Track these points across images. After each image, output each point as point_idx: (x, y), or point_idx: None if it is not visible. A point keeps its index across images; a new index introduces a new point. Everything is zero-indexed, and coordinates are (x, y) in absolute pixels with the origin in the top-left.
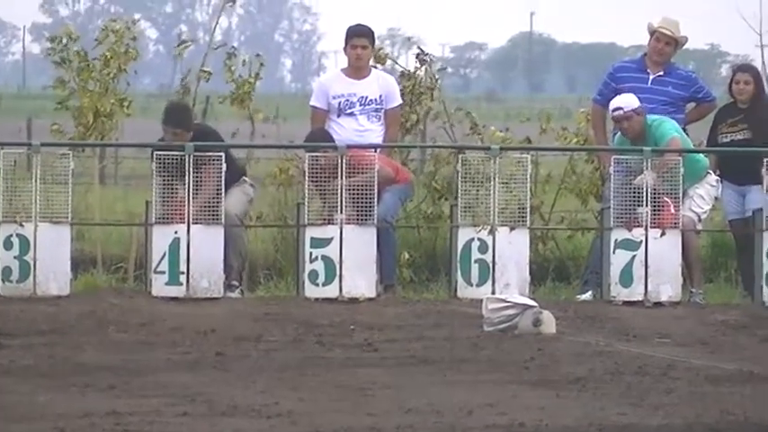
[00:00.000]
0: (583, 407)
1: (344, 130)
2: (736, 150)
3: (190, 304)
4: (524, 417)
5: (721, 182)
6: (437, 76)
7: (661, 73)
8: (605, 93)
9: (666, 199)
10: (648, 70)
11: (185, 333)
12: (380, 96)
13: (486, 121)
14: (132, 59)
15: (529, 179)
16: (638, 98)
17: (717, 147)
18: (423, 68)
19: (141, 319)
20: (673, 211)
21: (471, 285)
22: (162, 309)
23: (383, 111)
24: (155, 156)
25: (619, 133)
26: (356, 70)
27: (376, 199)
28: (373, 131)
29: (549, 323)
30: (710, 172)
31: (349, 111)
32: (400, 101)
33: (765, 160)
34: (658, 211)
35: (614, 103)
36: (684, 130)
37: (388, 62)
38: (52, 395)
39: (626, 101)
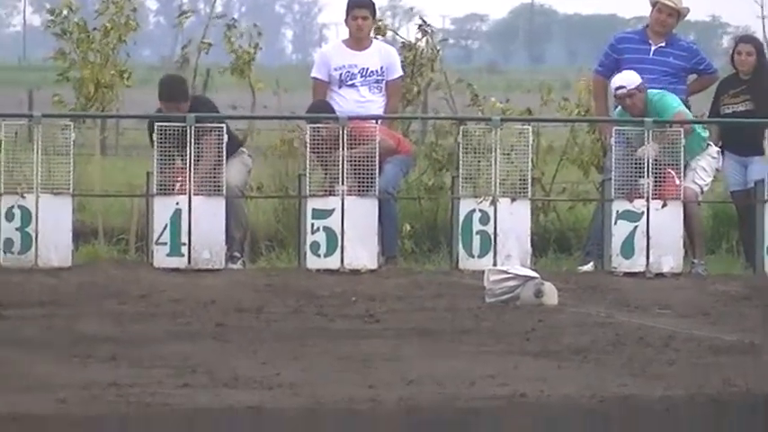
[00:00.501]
0: (584, 377)
1: (346, 102)
2: (738, 121)
3: (191, 275)
4: (526, 387)
5: (723, 153)
6: (438, 48)
7: (663, 44)
8: (606, 63)
9: (670, 170)
10: (650, 41)
11: (186, 304)
12: (382, 68)
13: (487, 93)
14: (132, 30)
15: (530, 150)
16: (640, 69)
17: (719, 118)
18: (424, 39)
19: (142, 290)
20: (676, 182)
21: (473, 257)
22: (163, 280)
23: (384, 82)
24: (155, 127)
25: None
26: (357, 41)
27: (377, 170)
28: (374, 102)
29: (551, 294)
30: (711, 144)
31: (350, 82)
32: (401, 72)
33: (767, 131)
34: (661, 182)
35: (616, 81)
36: (686, 102)
37: (389, 34)
38: (53, 366)
39: (628, 79)
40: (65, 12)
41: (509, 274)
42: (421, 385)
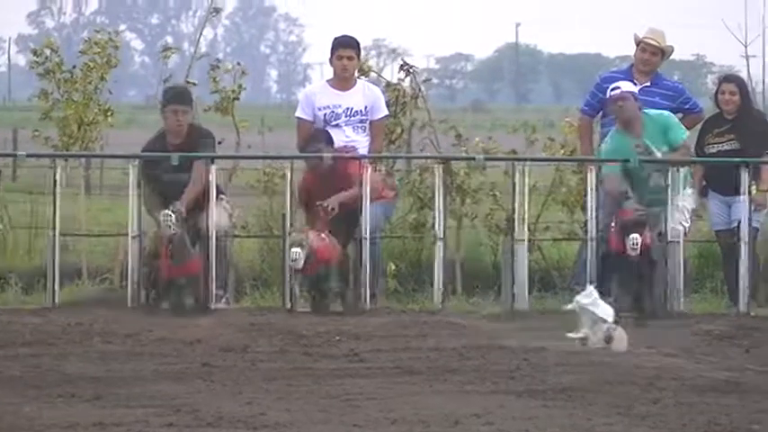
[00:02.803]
0: (569, 416)
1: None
2: (726, 161)
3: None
4: (511, 427)
5: (707, 193)
6: (422, 87)
7: (648, 84)
8: (593, 104)
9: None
10: (636, 81)
11: (171, 344)
12: (366, 107)
13: (472, 132)
14: (113, 67)
15: (516, 189)
16: None
17: (703, 157)
18: (407, 79)
19: (127, 329)
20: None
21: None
22: (148, 319)
23: (369, 122)
24: (142, 164)
25: (605, 142)
26: (342, 81)
27: (366, 212)
28: (359, 142)
29: (621, 340)
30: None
31: (335, 122)
32: (386, 112)
33: (743, 168)
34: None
35: (613, 84)
36: None
37: (372, 74)
38: (38, 406)
39: (625, 85)
40: (47, 52)
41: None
42: (406, 424)
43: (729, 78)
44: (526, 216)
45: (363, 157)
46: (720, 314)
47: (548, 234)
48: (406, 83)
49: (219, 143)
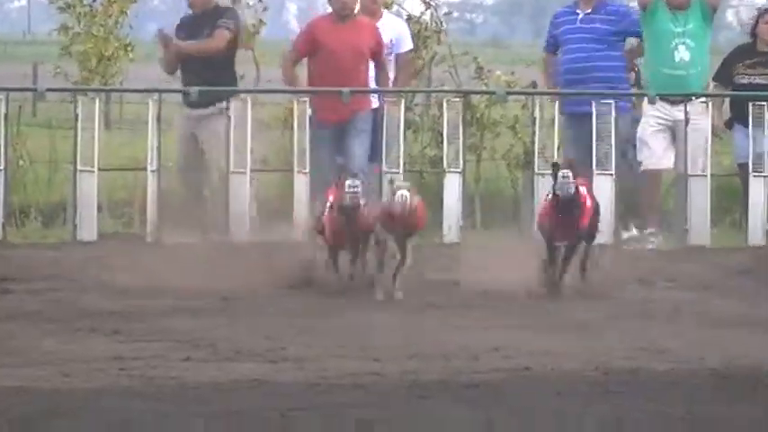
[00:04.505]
0: (588, 351)
1: None
2: (759, 94)
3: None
4: (530, 361)
5: (732, 125)
6: (443, 20)
7: (589, 11)
8: (549, 40)
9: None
10: (578, 10)
11: (191, 278)
12: (391, 41)
13: (492, 66)
14: (133, 2)
15: (536, 122)
16: (569, 39)
17: (731, 86)
18: (428, 12)
19: (145, 263)
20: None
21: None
22: (167, 253)
23: (394, 55)
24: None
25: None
26: (368, 13)
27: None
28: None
29: None
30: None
31: None
32: (411, 46)
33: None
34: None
35: None
36: (632, 66)
37: (395, 6)
38: (57, 340)
39: None
40: None
41: None
42: (425, 359)
43: None
44: (554, 151)
45: (383, 90)
46: (739, 248)
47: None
48: (427, 16)
49: (242, 77)
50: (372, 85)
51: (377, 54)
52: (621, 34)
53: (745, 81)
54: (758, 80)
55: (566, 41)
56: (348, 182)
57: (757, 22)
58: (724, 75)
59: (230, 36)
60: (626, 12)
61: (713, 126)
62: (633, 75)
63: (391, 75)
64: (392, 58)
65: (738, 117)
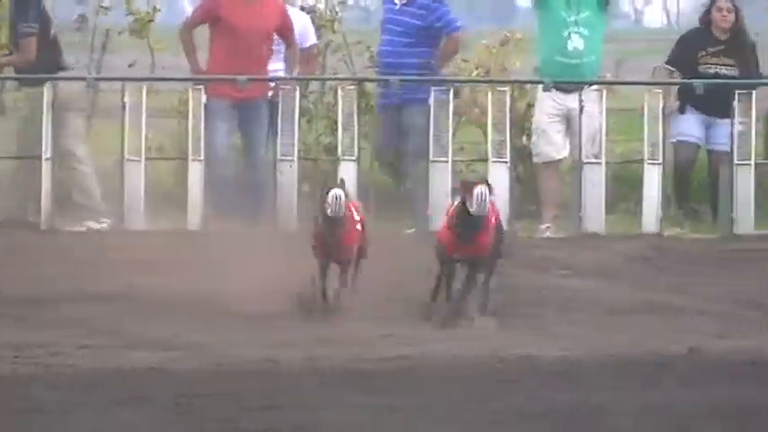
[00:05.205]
0: (485, 339)
1: None
2: (725, 82)
3: (101, 236)
4: (424, 349)
5: (684, 110)
6: (338, 9)
7: (405, 2)
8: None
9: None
10: (396, 1)
11: (97, 266)
12: (296, 37)
13: None
14: None
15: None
16: (384, 29)
17: (697, 75)
18: (323, 1)
19: (51, 251)
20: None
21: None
22: (73, 241)
23: (299, 50)
24: None
25: None
26: None
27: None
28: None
29: None
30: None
31: None
32: (315, 40)
33: (737, 92)
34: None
35: None
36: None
37: None
38: None
39: None
40: None
41: None
42: (330, 345)
43: None
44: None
45: (279, 79)
46: (634, 235)
47: (461, 155)
48: (322, 4)
49: (130, 66)
50: (280, 65)
51: (285, 33)
52: (431, 30)
53: (711, 71)
54: (724, 71)
55: (382, 30)
56: (332, 192)
57: (709, 10)
58: (682, 60)
59: (35, 39)
60: (435, 7)
61: (665, 108)
62: None
63: (297, 69)
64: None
65: (695, 104)
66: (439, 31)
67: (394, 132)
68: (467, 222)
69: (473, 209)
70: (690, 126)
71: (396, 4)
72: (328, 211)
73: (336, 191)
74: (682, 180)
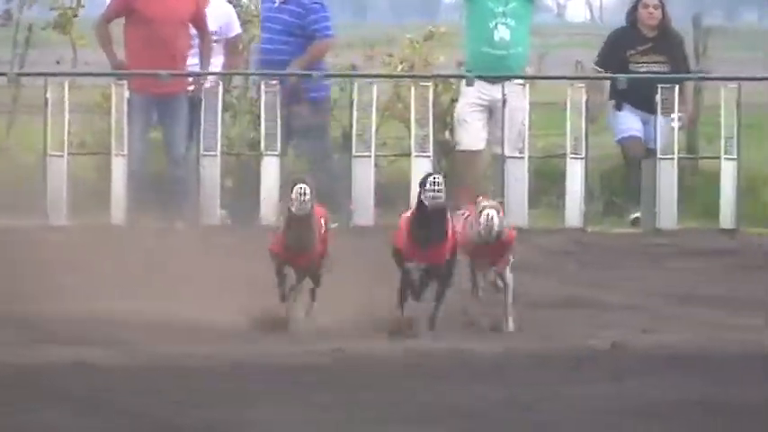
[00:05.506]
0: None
1: None
2: (655, 77)
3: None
4: (348, 344)
5: (621, 107)
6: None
7: (283, 0)
8: None
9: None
10: None
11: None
12: (220, 27)
13: None
14: None
15: (354, 105)
16: (263, 26)
17: (628, 74)
18: None
19: None
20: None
21: None
22: None
23: (224, 40)
24: None
25: None
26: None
27: None
28: (213, 64)
29: None
30: None
31: None
32: (239, 30)
33: (660, 86)
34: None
35: None
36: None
37: None
38: None
39: None
40: None
41: None
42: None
43: None
44: (373, 132)
45: (202, 74)
46: (557, 229)
47: (384, 150)
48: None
49: (57, 63)
50: (197, 60)
51: (198, 24)
52: (306, 29)
53: (643, 69)
54: (655, 68)
55: (262, 29)
56: (297, 187)
57: (636, 7)
58: (612, 60)
59: None
60: (314, 8)
61: (593, 105)
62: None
63: (221, 59)
64: (222, 43)
65: (631, 101)
66: (313, 33)
67: (292, 130)
68: (428, 219)
69: (424, 199)
70: (632, 122)
71: (275, 2)
72: (292, 208)
73: (302, 185)
74: (637, 176)
